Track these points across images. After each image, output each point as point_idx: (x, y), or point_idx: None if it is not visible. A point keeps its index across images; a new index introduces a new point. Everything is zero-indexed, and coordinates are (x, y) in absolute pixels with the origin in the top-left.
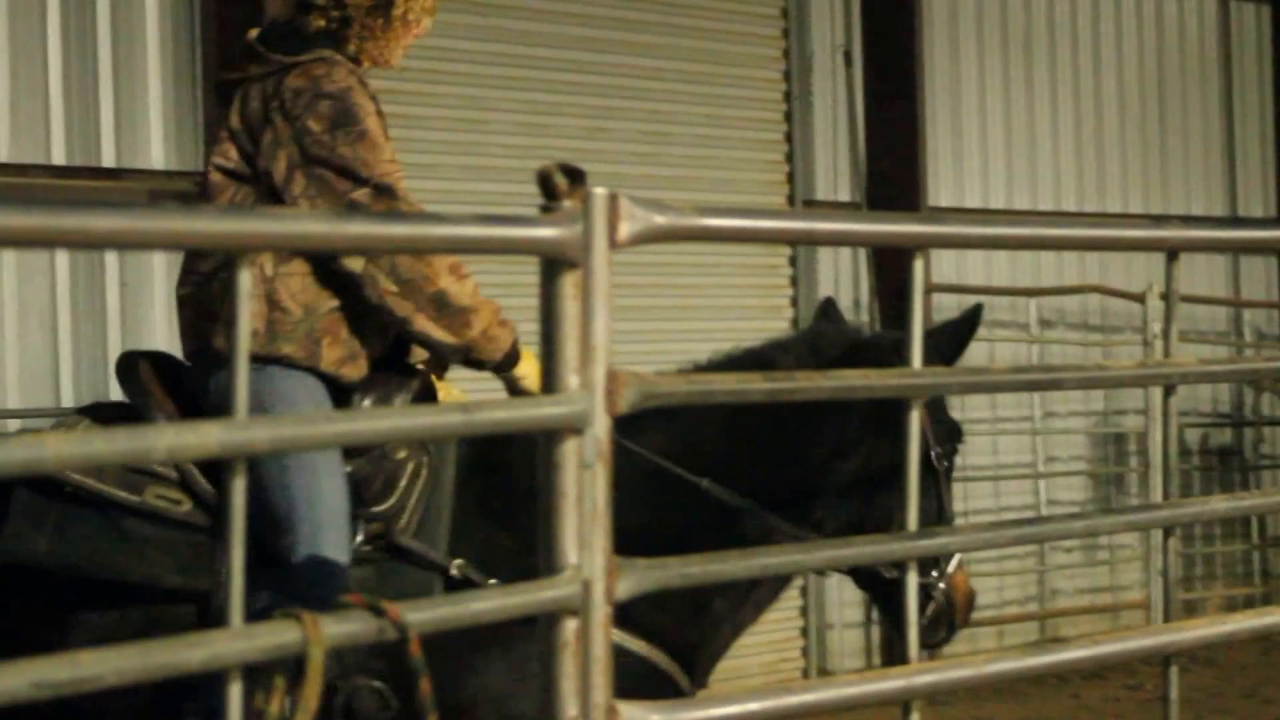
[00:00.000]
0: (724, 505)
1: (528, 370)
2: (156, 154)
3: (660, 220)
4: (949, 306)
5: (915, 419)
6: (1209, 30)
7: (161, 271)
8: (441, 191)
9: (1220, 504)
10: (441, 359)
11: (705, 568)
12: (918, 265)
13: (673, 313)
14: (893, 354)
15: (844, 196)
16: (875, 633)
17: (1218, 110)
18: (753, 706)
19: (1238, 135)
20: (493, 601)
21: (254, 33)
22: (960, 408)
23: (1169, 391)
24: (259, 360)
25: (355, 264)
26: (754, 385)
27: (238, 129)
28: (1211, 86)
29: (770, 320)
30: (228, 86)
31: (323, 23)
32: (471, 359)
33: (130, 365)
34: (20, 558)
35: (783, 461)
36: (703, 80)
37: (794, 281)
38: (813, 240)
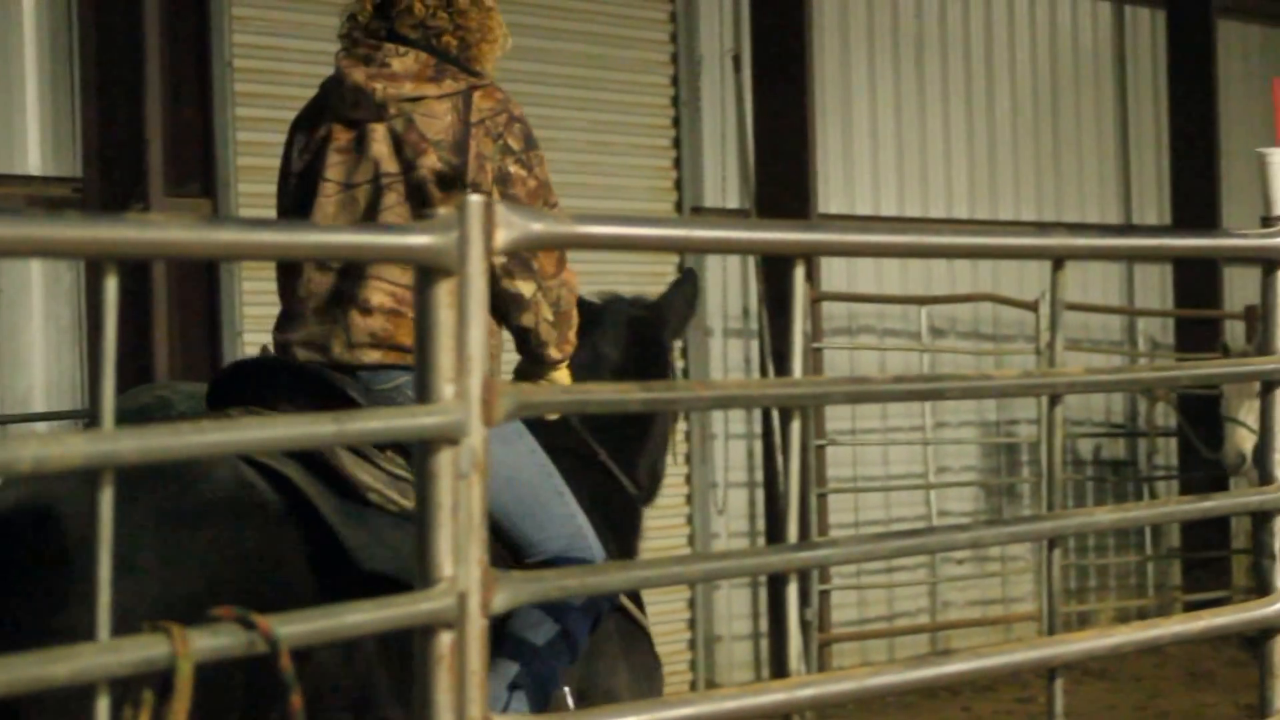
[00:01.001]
0: (584, 455)
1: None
2: (34, 160)
3: (538, 228)
4: (839, 315)
5: (796, 430)
6: (1103, 35)
7: (40, 283)
8: None
9: (1105, 515)
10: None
11: (583, 580)
12: (798, 273)
13: None
14: (655, 323)
15: (733, 203)
16: (764, 645)
17: (1112, 116)
18: (636, 719)
19: (1132, 142)
20: (367, 614)
21: (399, 50)
22: (851, 417)
23: (1054, 401)
24: None
25: (526, 288)
26: (631, 395)
27: (417, 141)
28: (1105, 92)
29: None
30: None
31: (454, 44)
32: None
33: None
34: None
35: (627, 418)
36: (589, 85)
37: None
38: (691, 247)
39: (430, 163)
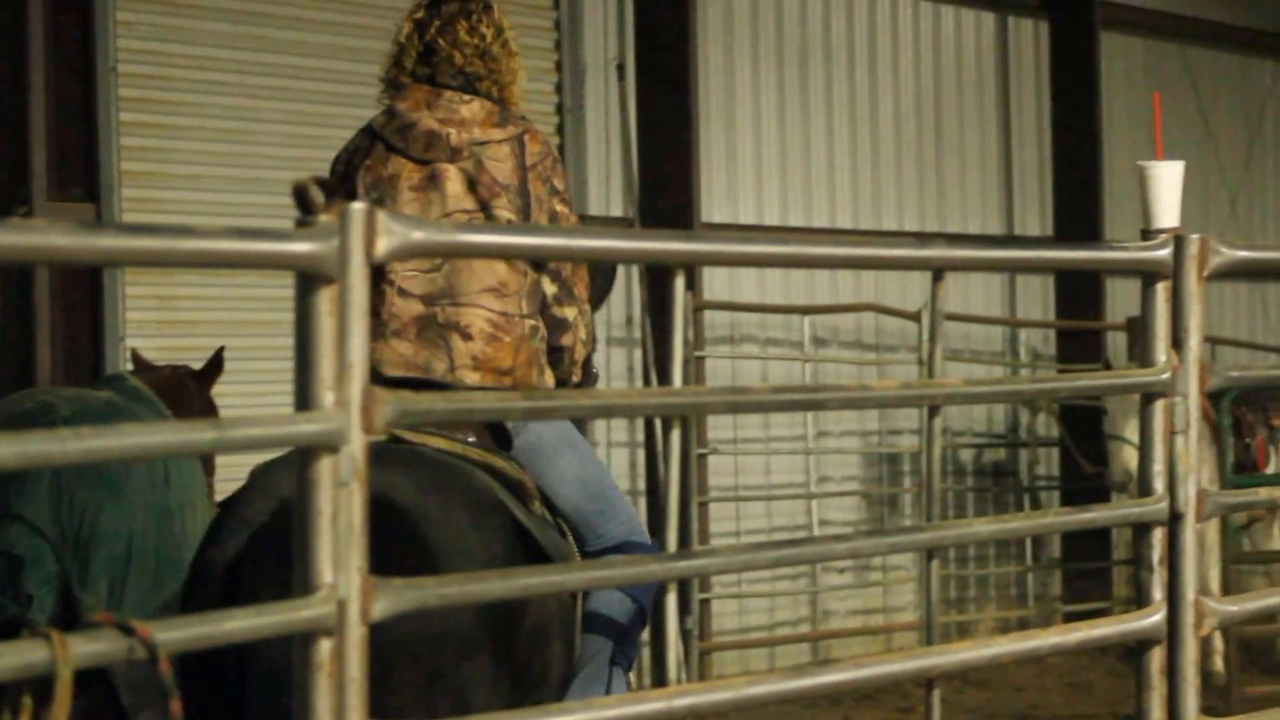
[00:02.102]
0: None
1: None
2: None
3: (418, 235)
4: (721, 323)
5: (677, 439)
6: (986, 46)
7: None
8: (207, 203)
9: (984, 526)
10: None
11: (464, 588)
12: (679, 282)
13: None
14: None
15: (616, 211)
16: (644, 653)
17: (994, 127)
18: None
19: (1014, 153)
20: (247, 621)
21: (463, 97)
22: (733, 426)
23: (934, 412)
24: None
25: (570, 313)
26: (513, 404)
27: (490, 183)
28: (988, 103)
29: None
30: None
31: (493, 88)
32: None
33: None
34: None
35: None
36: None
37: None
38: (573, 256)
39: (503, 203)
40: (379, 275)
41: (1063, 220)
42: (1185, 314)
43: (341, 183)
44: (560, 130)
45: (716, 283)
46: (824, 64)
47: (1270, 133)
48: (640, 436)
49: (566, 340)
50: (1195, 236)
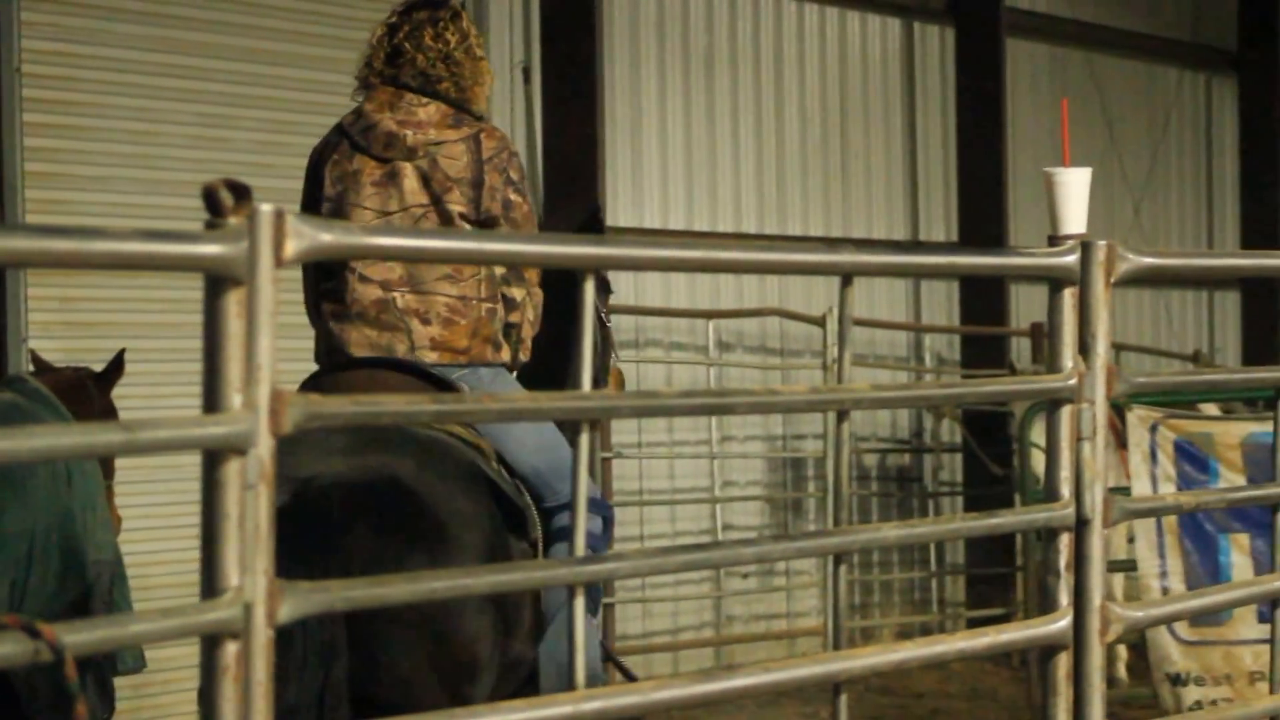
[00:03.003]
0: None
1: None
2: None
3: (327, 238)
4: (627, 327)
5: (584, 443)
6: (892, 52)
7: None
8: (114, 205)
9: (892, 531)
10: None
11: (369, 591)
12: (587, 286)
13: None
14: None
15: None
16: None
17: (901, 133)
18: None
19: (920, 159)
20: (153, 623)
21: (421, 100)
22: (638, 430)
23: (841, 417)
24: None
25: (519, 293)
26: (422, 407)
27: (442, 179)
28: (894, 109)
29: None
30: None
31: (452, 89)
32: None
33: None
34: None
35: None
36: None
37: None
38: (480, 259)
39: (455, 197)
40: (342, 263)
41: (968, 226)
42: (1092, 320)
43: (313, 174)
44: None
45: (621, 287)
46: (730, 69)
47: (1175, 140)
48: None
49: (514, 318)
50: (1102, 243)
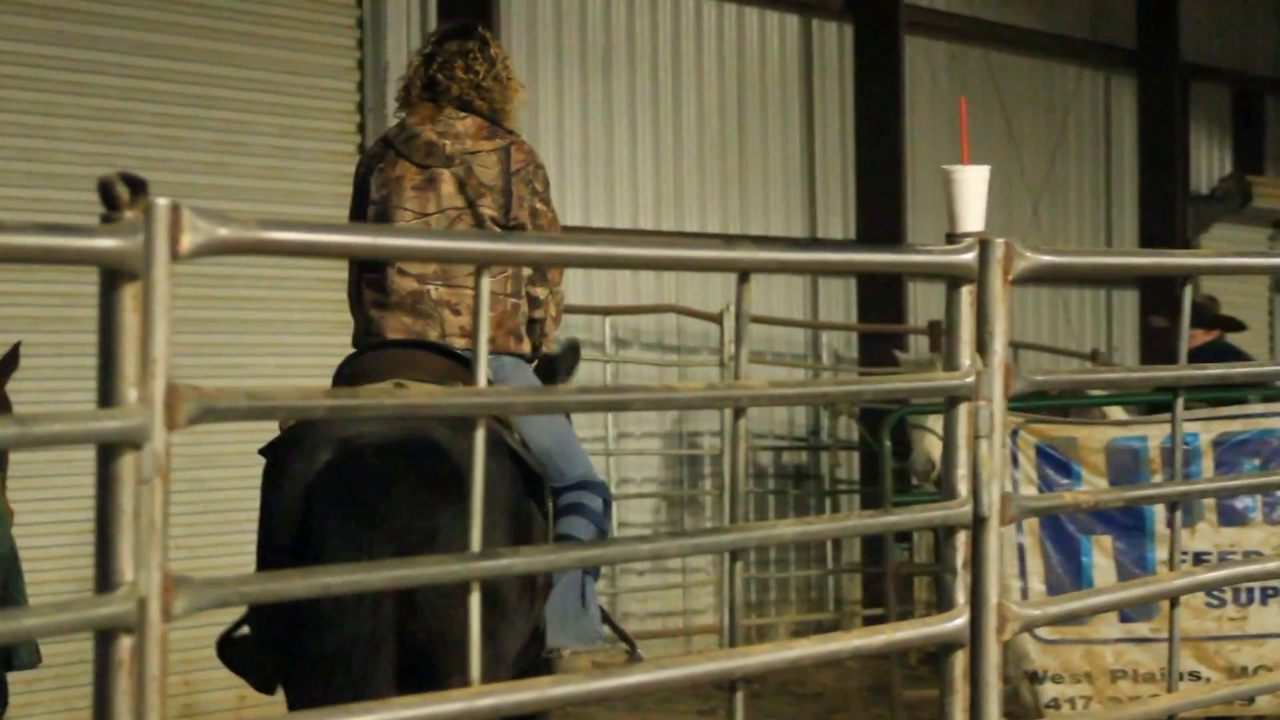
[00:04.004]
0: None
1: None
2: None
3: (224, 233)
4: None
5: (480, 437)
6: (790, 49)
7: None
8: (7, 198)
9: (788, 528)
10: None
11: (264, 587)
12: (484, 282)
13: (240, 326)
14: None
15: None
16: None
17: (798, 130)
18: None
19: (818, 155)
20: (47, 618)
21: (459, 114)
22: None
23: (738, 414)
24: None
25: (542, 292)
26: (316, 401)
27: (476, 185)
28: (792, 106)
29: (340, 334)
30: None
31: (485, 108)
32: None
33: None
34: None
35: None
36: (275, 90)
37: None
38: (378, 255)
39: (487, 202)
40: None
41: (865, 223)
42: (990, 318)
43: (360, 183)
44: (361, 129)
45: None
46: (628, 65)
47: (1073, 137)
48: None
49: (538, 314)
50: (1000, 240)
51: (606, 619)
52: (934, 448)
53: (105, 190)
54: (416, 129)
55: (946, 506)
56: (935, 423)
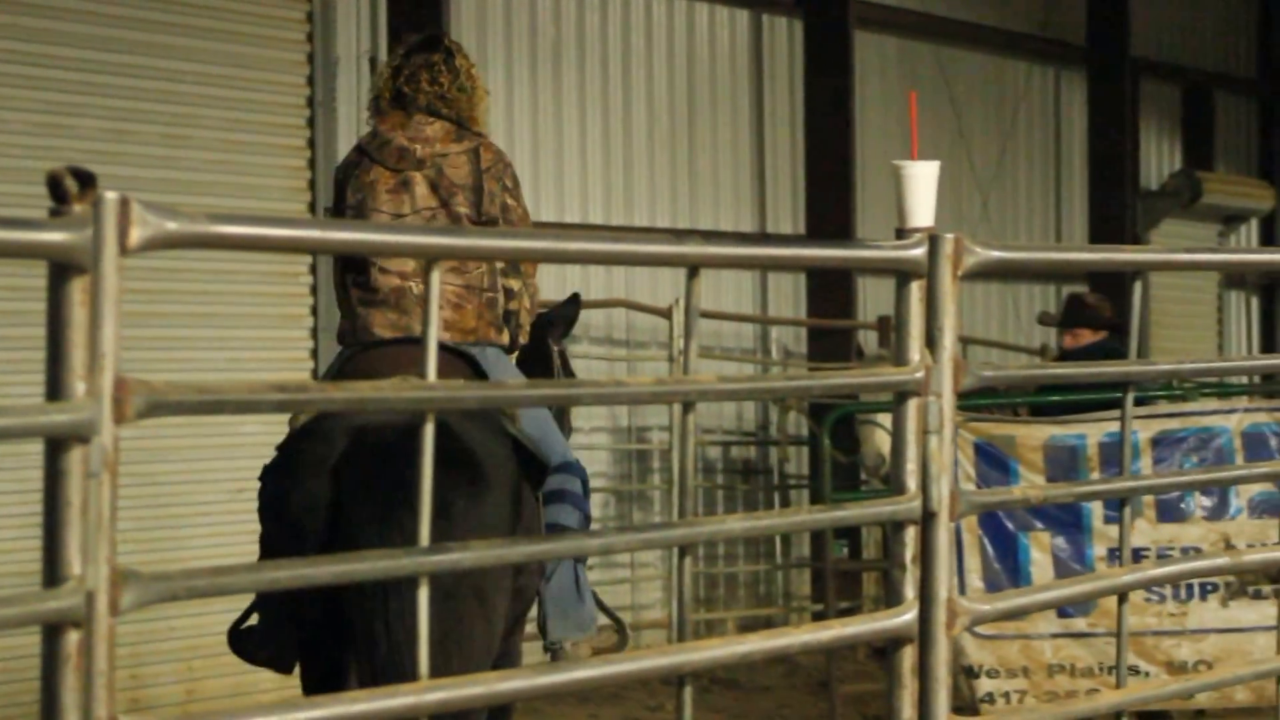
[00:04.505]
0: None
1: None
2: None
3: (173, 226)
4: None
5: (428, 435)
6: (740, 44)
7: None
8: None
9: (737, 523)
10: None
11: (211, 580)
12: (434, 276)
13: (188, 320)
14: (541, 328)
15: None
16: None
17: (748, 125)
18: None
19: (768, 151)
20: None
21: (428, 119)
22: None
23: (687, 409)
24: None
25: (515, 284)
26: (265, 395)
27: (448, 185)
28: (742, 101)
29: (289, 329)
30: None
31: (452, 114)
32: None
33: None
34: None
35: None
36: (224, 84)
37: (314, 290)
38: (326, 249)
39: (459, 200)
40: (365, 258)
41: (815, 219)
42: (939, 313)
43: (338, 188)
44: (311, 123)
45: None
46: (578, 59)
47: (1023, 133)
48: None
49: (513, 305)
50: (950, 236)
51: (598, 601)
52: (884, 443)
53: (54, 184)
54: (388, 135)
55: (895, 502)
56: (887, 419)
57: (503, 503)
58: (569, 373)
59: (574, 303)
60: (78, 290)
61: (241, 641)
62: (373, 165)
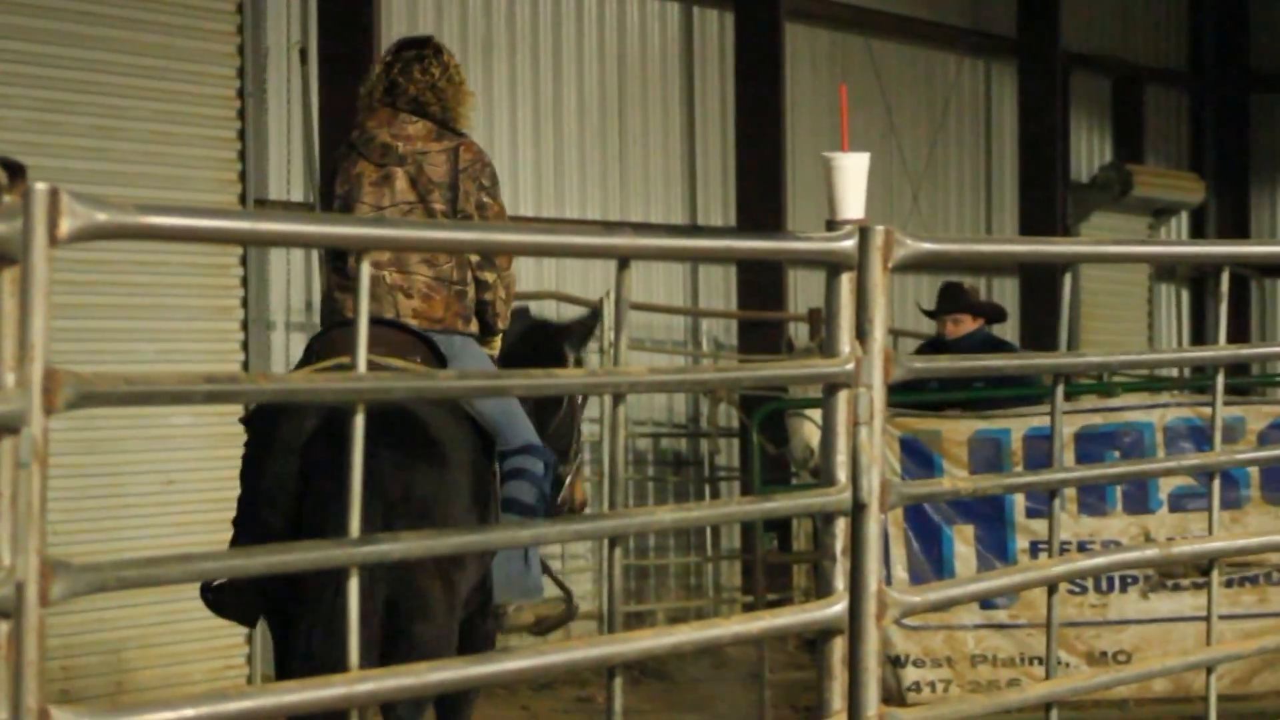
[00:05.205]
0: None
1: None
2: None
3: (102, 217)
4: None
5: (360, 423)
6: (671, 36)
7: None
8: None
9: (667, 515)
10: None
11: (142, 571)
12: (364, 267)
13: (118, 311)
14: (560, 336)
15: (297, 196)
16: None
17: (679, 117)
18: (188, 713)
19: (699, 143)
20: None
21: (411, 119)
22: None
23: (618, 400)
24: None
25: (490, 276)
26: (196, 386)
27: (426, 182)
28: (673, 93)
29: (219, 321)
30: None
31: (438, 111)
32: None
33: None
34: None
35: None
36: (154, 75)
37: (245, 282)
38: (257, 240)
39: (435, 197)
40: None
41: (746, 210)
42: (870, 305)
43: (329, 180)
44: (241, 114)
45: None
46: (508, 51)
47: (953, 126)
48: None
49: (487, 296)
50: (880, 228)
51: (546, 570)
52: (813, 436)
53: None
54: (373, 131)
55: (826, 493)
56: (816, 411)
57: (460, 480)
58: (575, 424)
59: (594, 316)
60: (7, 281)
61: (213, 595)
62: (359, 159)
